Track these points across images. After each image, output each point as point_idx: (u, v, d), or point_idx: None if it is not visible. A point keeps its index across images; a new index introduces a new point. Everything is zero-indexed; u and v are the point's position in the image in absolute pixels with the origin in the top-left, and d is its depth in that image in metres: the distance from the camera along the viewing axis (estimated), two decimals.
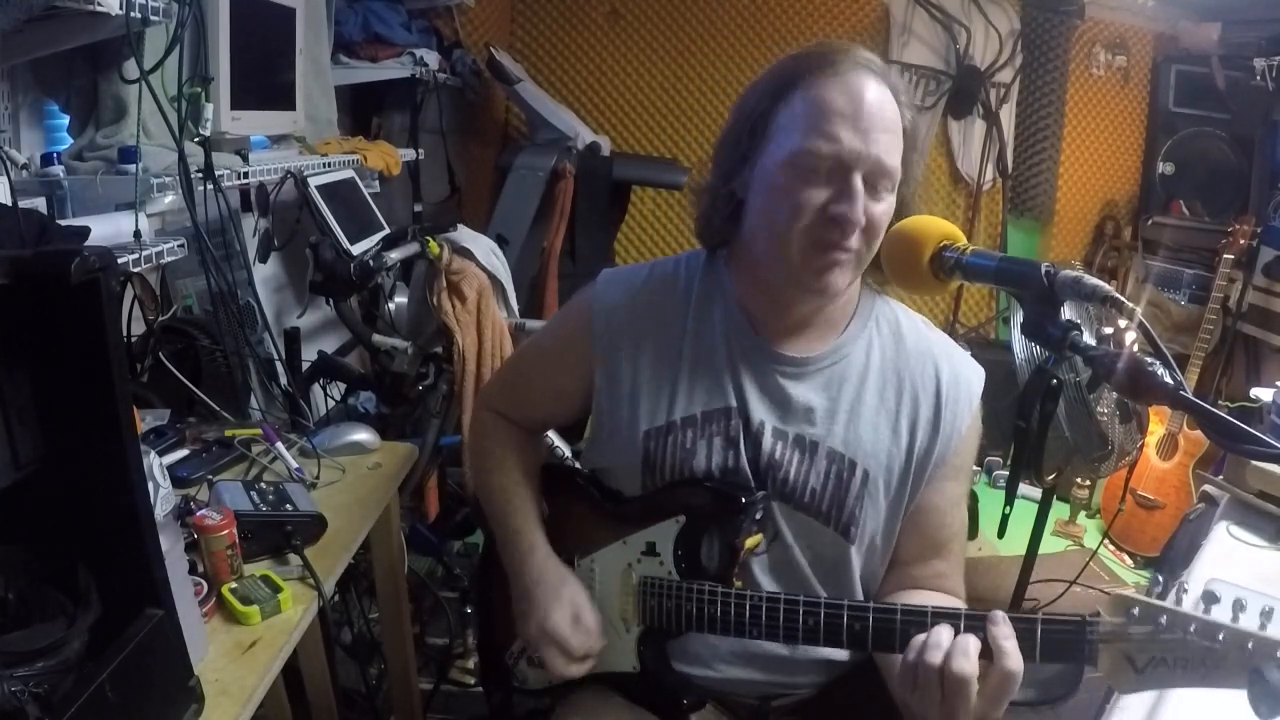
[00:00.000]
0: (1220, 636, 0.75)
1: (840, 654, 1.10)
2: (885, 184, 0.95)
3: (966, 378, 1.07)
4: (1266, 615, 0.75)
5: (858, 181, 0.92)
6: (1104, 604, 0.82)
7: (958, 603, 1.08)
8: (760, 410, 1.04)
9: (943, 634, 0.85)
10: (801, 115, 0.95)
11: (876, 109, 0.94)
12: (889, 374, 1.06)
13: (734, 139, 1.02)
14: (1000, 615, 0.84)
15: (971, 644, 0.83)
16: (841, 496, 1.03)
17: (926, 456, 1.05)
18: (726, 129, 1.05)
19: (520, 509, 1.16)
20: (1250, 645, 0.74)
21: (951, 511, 1.09)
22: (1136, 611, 0.79)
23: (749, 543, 1.01)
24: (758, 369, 1.05)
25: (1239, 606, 0.76)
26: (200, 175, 1.58)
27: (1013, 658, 0.82)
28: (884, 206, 0.95)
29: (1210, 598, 0.77)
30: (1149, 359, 0.72)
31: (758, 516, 1.02)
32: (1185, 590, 0.79)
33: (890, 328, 1.08)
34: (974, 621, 0.86)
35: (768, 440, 1.04)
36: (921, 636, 0.86)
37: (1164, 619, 0.77)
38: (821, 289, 0.98)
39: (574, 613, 1.07)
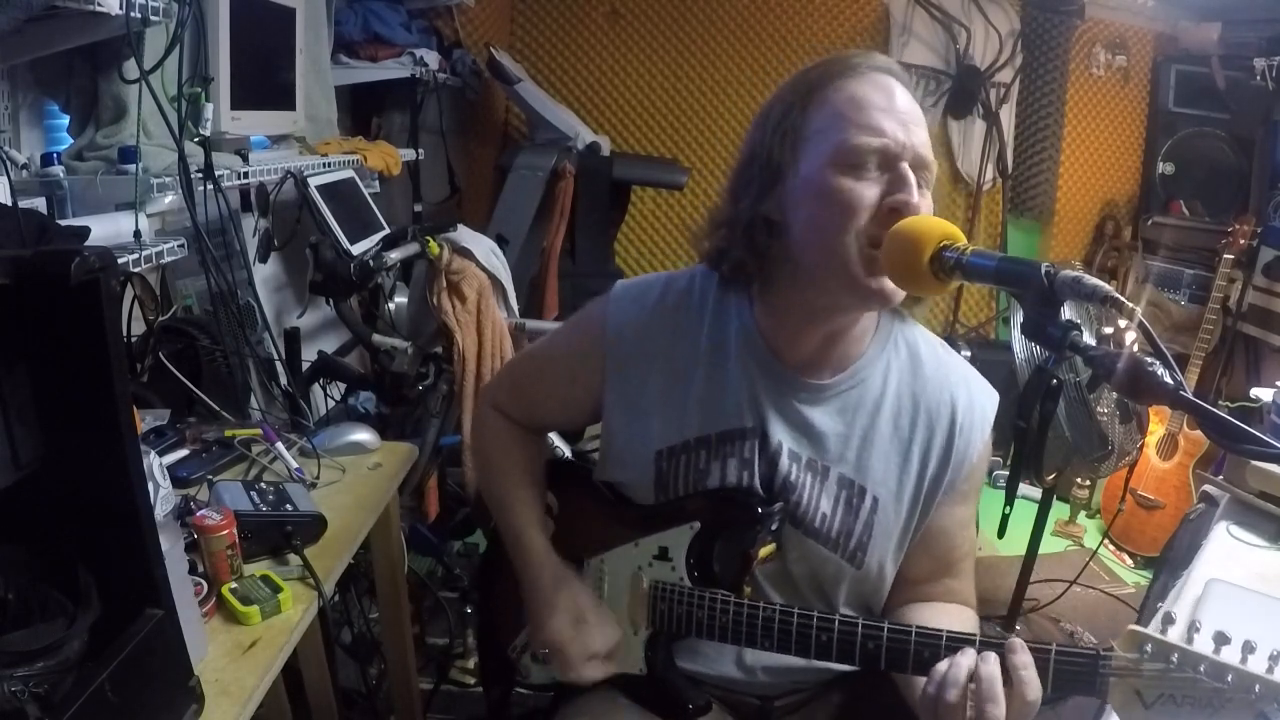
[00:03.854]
0: (1229, 678, 0.76)
1: None
2: (926, 177, 0.93)
3: (981, 405, 1.06)
4: (1275, 659, 0.75)
5: (908, 170, 0.90)
6: (1118, 639, 0.82)
7: (971, 615, 1.08)
8: (778, 431, 1.03)
9: (962, 669, 0.84)
10: (838, 114, 0.92)
11: (909, 104, 0.93)
12: (905, 400, 1.04)
13: (761, 157, 0.98)
14: (1019, 644, 0.84)
15: (998, 683, 0.82)
16: (851, 523, 1.02)
17: (936, 483, 1.04)
18: (748, 150, 1.01)
19: (521, 512, 1.15)
20: (1258, 688, 0.75)
21: (960, 533, 1.08)
22: (1149, 648, 0.79)
23: (763, 552, 1.01)
24: (775, 391, 1.03)
25: (1249, 648, 0.76)
26: (200, 175, 1.58)
27: (1033, 687, 0.82)
28: (927, 204, 0.92)
29: (1221, 638, 0.77)
30: (1149, 359, 0.72)
31: (774, 527, 1.01)
32: (1198, 629, 0.79)
33: (909, 351, 1.06)
34: (988, 646, 0.86)
35: (784, 461, 1.02)
36: (942, 668, 0.85)
37: (1175, 657, 0.78)
38: (882, 295, 0.92)
39: (574, 615, 1.07)
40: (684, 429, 1.04)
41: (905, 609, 1.08)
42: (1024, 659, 0.83)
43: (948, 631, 0.89)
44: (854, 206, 0.90)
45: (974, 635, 0.88)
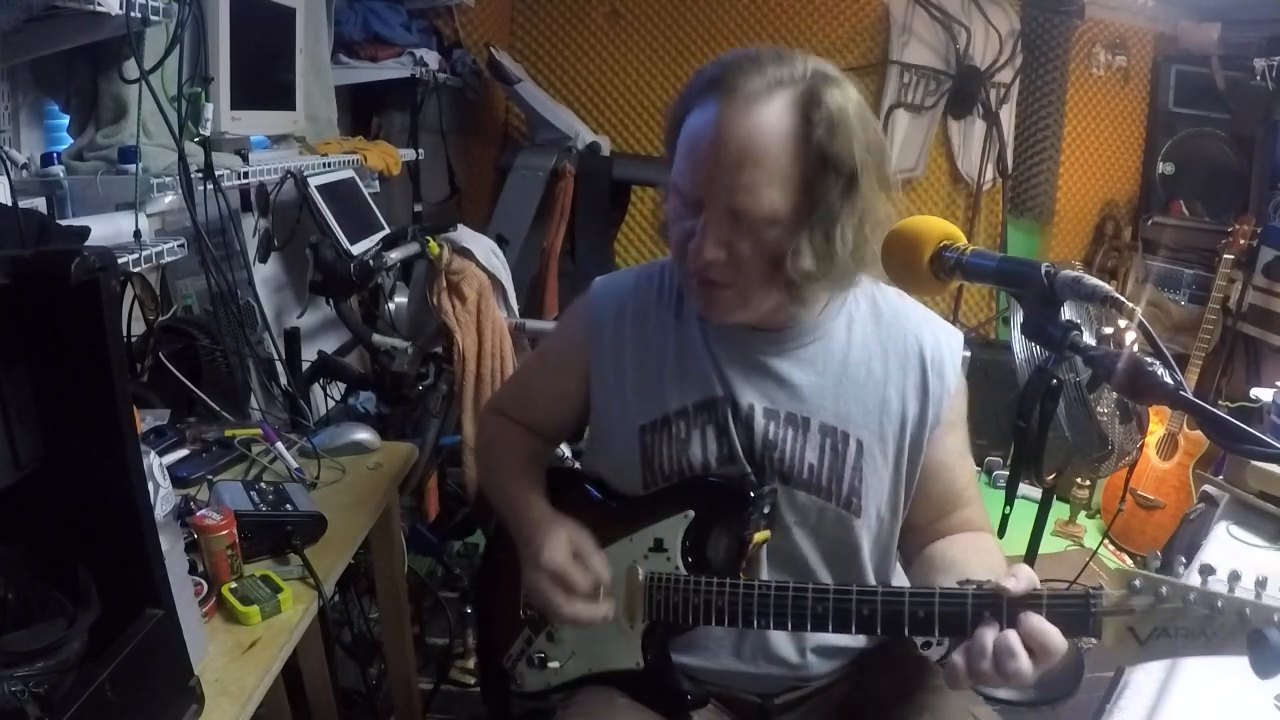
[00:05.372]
0: (1219, 604, 0.77)
1: (845, 643, 1.11)
2: (747, 222, 0.93)
3: (947, 342, 1.09)
4: (1261, 584, 0.77)
5: (707, 218, 0.94)
6: (1106, 579, 0.83)
7: (987, 538, 1.09)
8: (748, 393, 1.06)
9: (986, 638, 0.83)
10: (681, 143, 0.97)
11: (740, 142, 0.90)
12: (872, 347, 1.07)
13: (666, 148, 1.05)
14: (1033, 618, 0.83)
15: (1015, 642, 0.82)
16: (839, 469, 1.04)
17: (920, 423, 1.06)
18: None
19: (525, 482, 1.16)
20: (1248, 611, 0.76)
21: (959, 463, 1.10)
22: (1138, 584, 0.80)
23: (758, 537, 1.02)
24: (738, 353, 1.07)
25: (1234, 577, 0.78)
26: (200, 175, 1.58)
27: (1054, 636, 0.82)
28: (755, 245, 0.94)
29: (1207, 570, 0.79)
30: (1149, 359, 0.72)
31: (766, 510, 1.03)
32: (1183, 564, 0.81)
33: (868, 302, 1.10)
34: (984, 600, 0.86)
35: (759, 422, 1.05)
36: (961, 656, 0.85)
37: (1164, 589, 0.79)
38: (710, 314, 1.02)
39: (573, 549, 1.05)
40: (663, 403, 1.08)
41: (928, 550, 1.08)
42: (1035, 622, 0.83)
43: (940, 590, 0.89)
44: (676, 239, 0.99)
45: (966, 591, 0.87)
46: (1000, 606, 0.85)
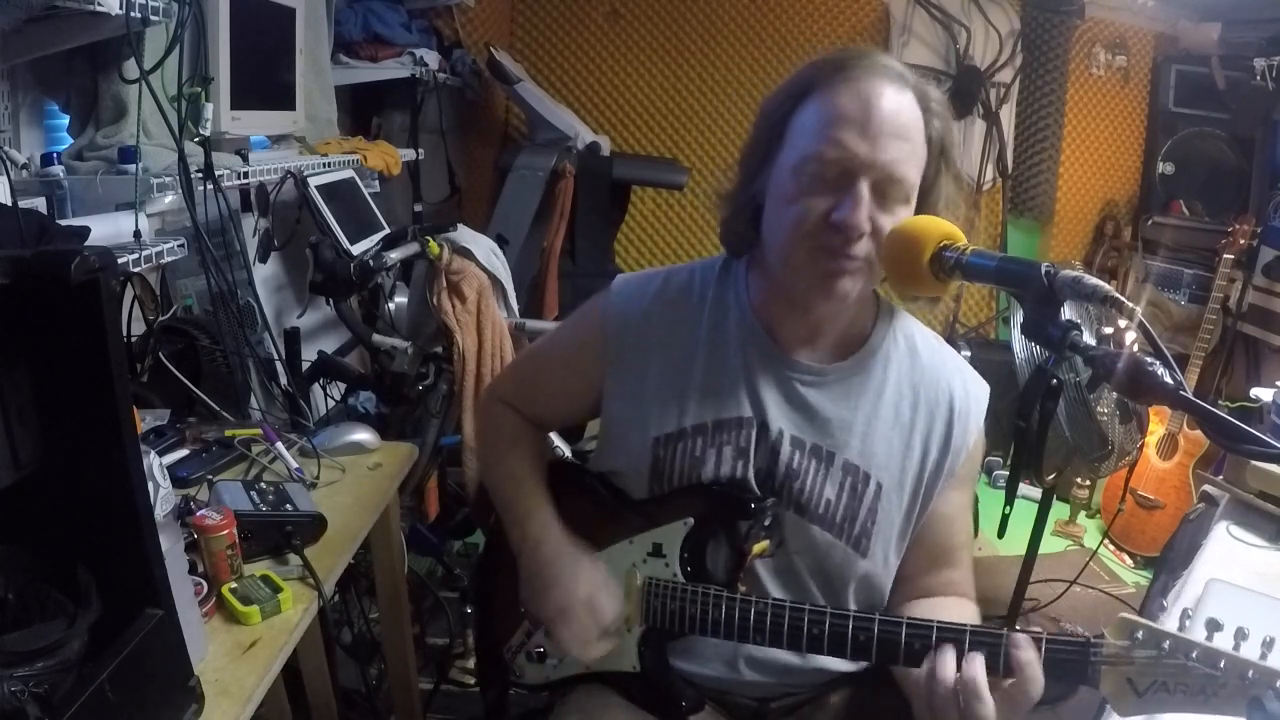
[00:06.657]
0: (1221, 664, 0.75)
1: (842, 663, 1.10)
2: (896, 193, 0.93)
3: (976, 395, 1.08)
4: (1268, 645, 0.75)
5: (863, 188, 0.91)
6: (1109, 626, 0.82)
7: (970, 606, 1.08)
8: (779, 418, 1.04)
9: (947, 663, 0.84)
10: (812, 121, 0.95)
11: (889, 115, 0.92)
12: (905, 389, 1.06)
13: (755, 144, 1.03)
14: (1024, 639, 0.84)
15: (979, 676, 0.83)
16: (855, 508, 1.03)
17: (937, 471, 1.05)
18: (750, 135, 1.06)
19: (532, 492, 1.15)
20: (1250, 674, 0.74)
21: (958, 519, 1.09)
22: (1140, 635, 0.79)
23: (756, 548, 1.01)
24: (776, 377, 1.05)
25: (1241, 635, 0.76)
26: (200, 175, 1.58)
27: (1036, 684, 0.83)
28: (894, 219, 0.94)
29: (1214, 625, 0.77)
30: (1149, 359, 0.72)
31: (766, 523, 1.02)
32: (1190, 616, 0.80)
33: (907, 343, 1.08)
34: (980, 638, 0.86)
35: (785, 449, 1.04)
36: (926, 666, 0.86)
37: (1167, 644, 0.78)
38: (829, 294, 0.96)
39: (597, 586, 1.05)
40: (682, 417, 1.06)
41: (907, 606, 1.08)
42: (1028, 656, 0.83)
43: (938, 622, 0.89)
44: (802, 216, 0.94)
45: (965, 625, 0.88)
46: (998, 645, 0.85)
